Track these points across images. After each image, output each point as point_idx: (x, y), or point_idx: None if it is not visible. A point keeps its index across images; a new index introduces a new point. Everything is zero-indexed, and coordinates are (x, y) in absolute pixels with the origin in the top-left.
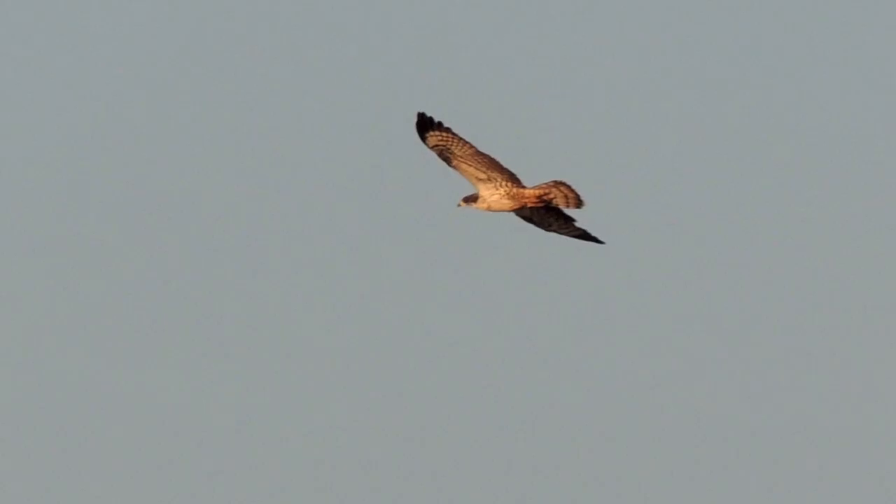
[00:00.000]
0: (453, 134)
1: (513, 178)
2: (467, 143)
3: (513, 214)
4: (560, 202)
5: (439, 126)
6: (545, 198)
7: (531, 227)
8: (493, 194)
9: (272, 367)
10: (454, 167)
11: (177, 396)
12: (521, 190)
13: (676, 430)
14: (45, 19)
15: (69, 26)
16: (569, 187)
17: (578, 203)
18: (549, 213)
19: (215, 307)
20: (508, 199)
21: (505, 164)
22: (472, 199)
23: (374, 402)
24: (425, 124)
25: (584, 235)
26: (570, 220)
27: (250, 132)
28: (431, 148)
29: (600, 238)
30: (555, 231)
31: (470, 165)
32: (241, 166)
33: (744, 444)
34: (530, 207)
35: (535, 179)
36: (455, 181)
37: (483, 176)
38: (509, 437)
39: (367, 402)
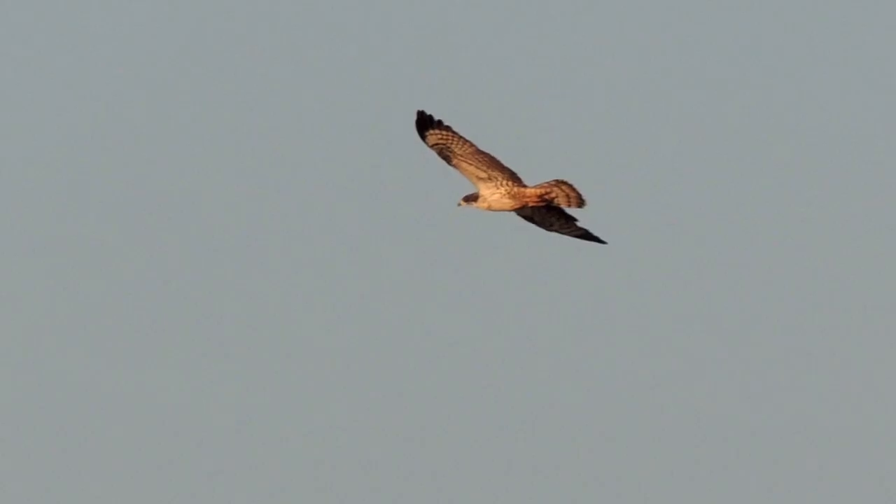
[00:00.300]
0: (453, 132)
1: (514, 177)
2: (467, 141)
3: (514, 214)
4: (562, 201)
5: (439, 124)
6: (546, 197)
7: (532, 226)
8: (494, 193)
9: (272, 367)
10: (454, 166)
11: (177, 396)
12: (522, 189)
13: (676, 430)
14: (45, 19)
15: (69, 26)
16: (570, 186)
17: (580, 202)
18: (550, 213)
19: (215, 307)
20: (509, 198)
21: (506, 163)
22: (472, 198)
23: (374, 402)
24: (425, 122)
25: (586, 235)
26: (571, 219)
27: (250, 132)
28: (431, 147)
29: (602, 238)
30: (556, 231)
31: (470, 164)
32: (241, 166)
33: (744, 444)
34: (531, 207)
35: (535, 179)
36: (455, 180)
37: (483, 175)
38: (509, 437)
39: (367, 402)
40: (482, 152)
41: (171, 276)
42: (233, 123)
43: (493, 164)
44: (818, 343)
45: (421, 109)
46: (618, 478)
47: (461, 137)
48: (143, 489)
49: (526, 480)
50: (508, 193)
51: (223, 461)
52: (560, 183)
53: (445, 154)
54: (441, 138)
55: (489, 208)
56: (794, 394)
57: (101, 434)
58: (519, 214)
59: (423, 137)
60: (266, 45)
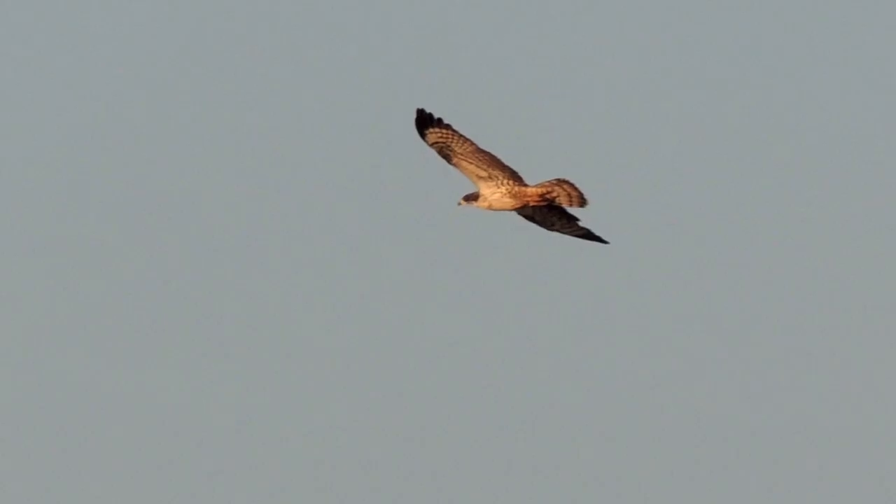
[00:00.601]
0: (453, 131)
1: (514, 176)
2: (468, 139)
3: (515, 213)
4: (563, 201)
5: (439, 122)
6: (548, 196)
7: (533, 226)
8: (495, 193)
9: (272, 367)
10: (454, 165)
11: (177, 396)
12: (523, 188)
13: (676, 430)
14: (45, 19)
15: (69, 26)
16: (572, 185)
17: (582, 202)
18: (551, 212)
19: (215, 307)
20: (510, 197)
21: (506, 162)
22: (472, 197)
23: (374, 402)
24: (424, 121)
25: (588, 235)
26: (573, 219)
27: (250, 132)
28: (431, 145)
29: (604, 238)
30: (558, 231)
31: (470, 163)
32: (241, 166)
33: (744, 444)
34: (532, 206)
35: (536, 178)
36: (455, 179)
37: (484, 174)
38: (509, 437)
39: (367, 402)
40: (482, 151)
41: (171, 276)
42: (233, 123)
43: (494, 163)
44: (818, 343)
45: (420, 107)
46: (618, 478)
47: (461, 136)
48: (144, 489)
49: (526, 480)
50: (509, 192)
51: (223, 461)
52: (561, 182)
53: (445, 153)
54: (441, 136)
55: (490, 208)
56: (794, 394)
57: (101, 434)
58: (520, 214)
59: (422, 136)
60: (266, 45)
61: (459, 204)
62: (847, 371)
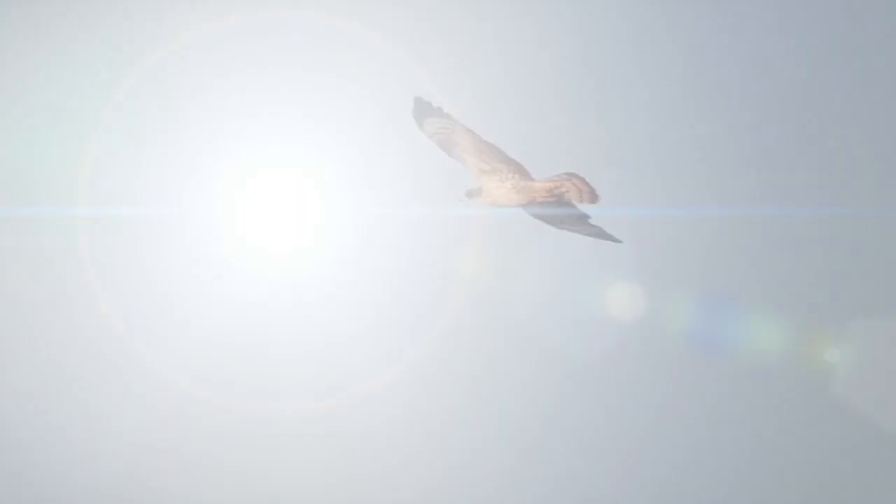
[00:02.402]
0: (454, 120)
1: (520, 170)
2: (469, 130)
3: (520, 210)
4: (573, 196)
5: (438, 111)
6: (556, 191)
7: (540, 224)
8: (499, 188)
9: (272, 367)
10: (454, 157)
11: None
12: (530, 183)
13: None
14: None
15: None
16: (583, 180)
17: (593, 197)
18: (560, 209)
19: (215, 307)
20: (516, 192)
21: (511, 155)
22: (474, 193)
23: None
24: (423, 109)
25: (600, 234)
26: (584, 216)
27: (250, 131)
28: (430, 136)
29: (617, 237)
30: (567, 229)
31: (472, 156)
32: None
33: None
34: (539, 202)
35: (542, 174)
36: (456, 174)
37: (487, 167)
38: (509, 436)
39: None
40: (486, 142)
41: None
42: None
43: (498, 156)
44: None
45: (418, 96)
46: (618, 477)
47: (463, 126)
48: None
49: (527, 480)
50: (515, 188)
51: (223, 460)
52: (571, 176)
53: (445, 144)
54: (441, 127)
55: (493, 204)
56: (793, 394)
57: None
58: (526, 211)
59: (420, 126)
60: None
61: (460, 200)
62: (847, 371)
